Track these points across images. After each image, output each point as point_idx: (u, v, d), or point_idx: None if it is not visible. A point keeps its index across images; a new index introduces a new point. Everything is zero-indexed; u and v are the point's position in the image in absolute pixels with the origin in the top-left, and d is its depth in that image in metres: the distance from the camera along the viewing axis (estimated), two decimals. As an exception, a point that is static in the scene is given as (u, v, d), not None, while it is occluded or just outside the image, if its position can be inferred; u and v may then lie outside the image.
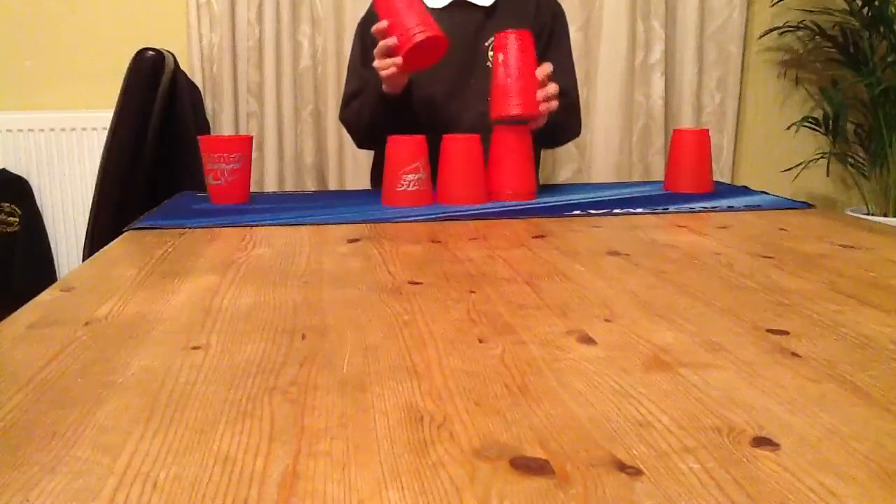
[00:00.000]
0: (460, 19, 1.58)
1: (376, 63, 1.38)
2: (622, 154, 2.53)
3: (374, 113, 1.52)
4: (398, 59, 1.33)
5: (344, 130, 2.48)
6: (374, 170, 1.75)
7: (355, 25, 1.68)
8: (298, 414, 0.47)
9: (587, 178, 2.56)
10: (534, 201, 1.30)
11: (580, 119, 1.68)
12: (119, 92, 1.79)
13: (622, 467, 0.40)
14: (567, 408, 0.48)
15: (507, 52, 1.29)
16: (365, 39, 1.64)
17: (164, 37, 2.38)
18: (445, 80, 1.57)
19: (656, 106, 2.53)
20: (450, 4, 1.59)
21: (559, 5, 1.68)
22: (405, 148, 1.25)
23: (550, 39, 1.63)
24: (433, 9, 1.60)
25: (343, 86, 1.73)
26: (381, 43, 1.35)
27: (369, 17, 1.67)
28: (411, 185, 1.25)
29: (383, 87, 1.44)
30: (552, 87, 1.33)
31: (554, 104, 1.34)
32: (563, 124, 1.55)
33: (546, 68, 1.33)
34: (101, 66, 2.45)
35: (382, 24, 1.34)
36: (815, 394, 0.50)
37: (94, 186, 1.80)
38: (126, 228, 1.12)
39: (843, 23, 2.51)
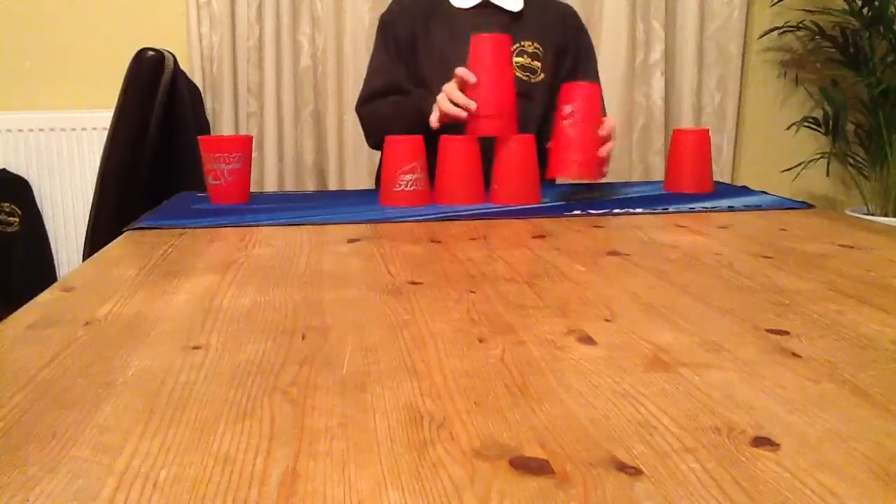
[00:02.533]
0: (486, 21, 1.58)
1: (448, 96, 1.34)
2: (622, 154, 2.53)
3: (410, 129, 1.43)
4: (464, 115, 1.30)
5: (345, 130, 2.49)
6: (379, 172, 1.75)
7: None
8: (298, 414, 0.47)
9: (587, 178, 2.55)
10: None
11: None
12: (119, 92, 1.79)
13: (622, 467, 0.40)
14: (567, 408, 0.48)
15: (576, 106, 1.27)
16: (389, 38, 1.62)
17: (164, 37, 2.39)
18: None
19: (656, 106, 2.53)
20: (477, 5, 1.59)
21: (581, 21, 1.70)
22: (403, 148, 1.25)
23: (578, 55, 1.64)
24: (460, 9, 1.60)
25: (361, 81, 1.69)
26: (461, 100, 1.31)
27: (394, 14, 1.65)
28: (409, 185, 1.25)
29: (432, 116, 1.41)
30: (610, 145, 1.34)
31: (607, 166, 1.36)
32: None
33: (610, 124, 1.33)
34: (101, 66, 2.45)
35: (471, 77, 1.30)
36: (815, 394, 0.50)
37: (94, 186, 1.80)
38: (126, 228, 1.12)
39: (843, 23, 2.52)
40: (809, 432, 0.44)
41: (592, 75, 1.63)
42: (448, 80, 1.44)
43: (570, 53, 1.63)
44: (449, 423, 0.46)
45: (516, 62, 1.58)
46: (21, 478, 0.40)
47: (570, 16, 1.67)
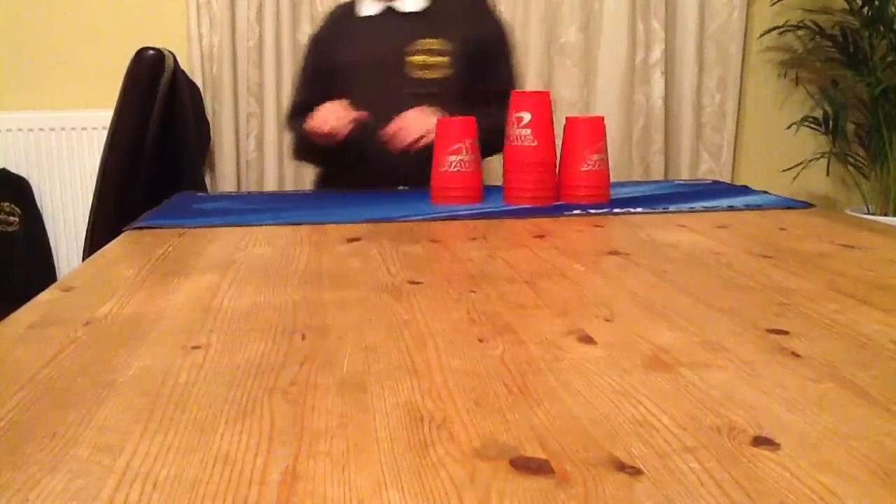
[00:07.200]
0: (389, 25, 1.60)
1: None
2: (622, 154, 2.53)
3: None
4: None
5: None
6: (321, 177, 1.77)
7: None
8: (298, 414, 0.47)
9: (587, 178, 2.55)
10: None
11: None
12: (119, 92, 1.79)
13: (622, 467, 0.40)
14: (567, 408, 0.48)
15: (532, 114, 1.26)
16: (317, 59, 1.69)
17: (164, 37, 2.38)
18: (374, 85, 1.60)
19: (656, 106, 2.53)
20: (381, 13, 1.61)
21: (489, 6, 1.67)
22: (453, 128, 1.26)
23: (484, 44, 1.61)
24: (366, 16, 1.62)
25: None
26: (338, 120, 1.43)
27: (325, 34, 1.70)
28: (453, 165, 1.26)
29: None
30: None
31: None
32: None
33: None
34: (101, 66, 2.45)
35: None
36: (815, 394, 0.50)
37: (94, 186, 1.80)
38: (126, 228, 1.12)
39: (843, 22, 2.51)
40: (809, 432, 0.44)
41: (503, 63, 1.63)
42: (360, 88, 1.54)
43: (476, 42, 1.61)
44: (449, 423, 0.46)
45: (414, 61, 1.57)
46: (21, 478, 0.40)
47: (477, 15, 1.64)
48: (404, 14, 1.60)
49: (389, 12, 1.61)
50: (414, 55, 1.57)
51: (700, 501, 0.37)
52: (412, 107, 1.48)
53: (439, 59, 1.58)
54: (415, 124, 1.44)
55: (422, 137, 1.43)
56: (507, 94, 1.61)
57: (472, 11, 1.64)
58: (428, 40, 1.58)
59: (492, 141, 1.40)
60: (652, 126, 2.55)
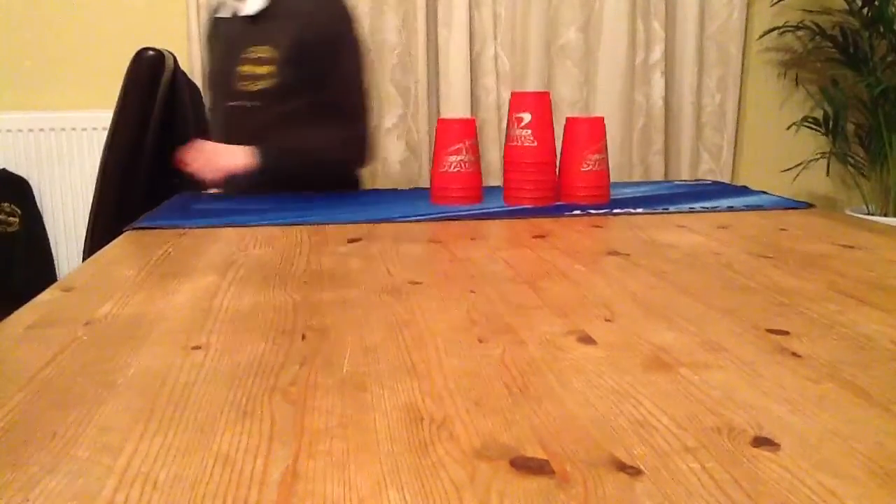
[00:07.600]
0: (228, 30, 1.55)
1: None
2: (622, 154, 2.53)
3: None
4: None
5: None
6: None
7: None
8: (298, 414, 0.47)
9: (587, 178, 2.55)
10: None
11: (360, 147, 1.53)
12: (119, 92, 1.79)
13: (622, 467, 0.40)
14: (567, 408, 0.48)
15: (532, 114, 1.24)
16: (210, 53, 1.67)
17: (164, 37, 2.38)
18: (213, 100, 1.60)
19: (656, 106, 2.53)
20: (231, 16, 1.55)
21: (325, 11, 1.52)
22: (453, 129, 1.26)
23: (313, 48, 1.48)
24: (221, 19, 1.57)
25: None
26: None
27: (215, 26, 1.65)
28: (453, 166, 1.27)
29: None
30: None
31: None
32: (332, 156, 1.49)
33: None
34: (101, 66, 2.45)
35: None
36: (815, 394, 0.50)
37: (94, 186, 1.80)
38: (126, 228, 1.12)
39: (843, 23, 2.52)
40: (809, 432, 0.44)
41: (335, 68, 1.49)
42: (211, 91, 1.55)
43: (301, 46, 1.47)
44: (449, 423, 0.46)
45: (242, 71, 1.47)
46: (21, 478, 0.40)
47: (307, 13, 1.49)
48: (243, 19, 1.49)
49: (235, 16, 1.52)
50: (243, 65, 1.47)
51: (700, 502, 0.37)
52: (236, 123, 1.46)
53: (265, 68, 1.46)
54: (204, 159, 1.44)
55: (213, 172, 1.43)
56: (348, 103, 1.49)
57: (304, 10, 1.48)
58: (256, 48, 1.47)
59: (335, 156, 1.39)
60: (652, 126, 2.55)
